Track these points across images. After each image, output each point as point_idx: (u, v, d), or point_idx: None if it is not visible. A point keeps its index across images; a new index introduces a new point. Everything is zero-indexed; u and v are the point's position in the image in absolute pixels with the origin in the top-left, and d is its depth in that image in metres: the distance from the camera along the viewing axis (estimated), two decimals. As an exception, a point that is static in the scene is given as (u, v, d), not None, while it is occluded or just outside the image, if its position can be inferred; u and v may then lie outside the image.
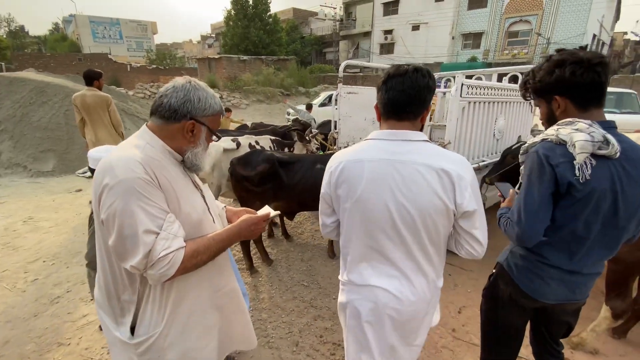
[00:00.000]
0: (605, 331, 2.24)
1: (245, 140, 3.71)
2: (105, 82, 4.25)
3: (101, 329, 2.08)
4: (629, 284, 2.06)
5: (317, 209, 3.36)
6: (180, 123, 0.99)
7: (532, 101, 1.33)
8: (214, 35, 43.14)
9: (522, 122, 3.80)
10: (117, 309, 1.01)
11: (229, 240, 1.07)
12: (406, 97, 1.04)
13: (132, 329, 1.00)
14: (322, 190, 1.25)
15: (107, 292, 1.02)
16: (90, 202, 1.67)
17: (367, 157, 1.09)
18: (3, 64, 18.28)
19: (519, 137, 3.30)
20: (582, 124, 1.10)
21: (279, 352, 2.14)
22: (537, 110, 4.86)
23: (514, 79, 4.21)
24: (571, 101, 1.16)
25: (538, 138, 1.20)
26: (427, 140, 1.08)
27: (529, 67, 3.92)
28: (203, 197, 1.12)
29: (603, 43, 23.23)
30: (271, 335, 2.28)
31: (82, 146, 6.00)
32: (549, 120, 1.25)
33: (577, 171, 1.06)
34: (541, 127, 5.01)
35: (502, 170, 2.83)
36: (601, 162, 1.07)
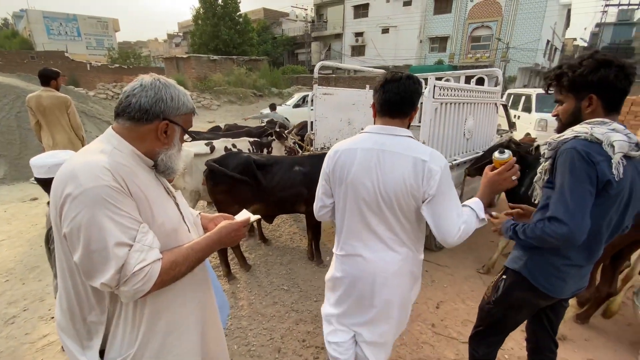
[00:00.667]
0: (571, 317, 2.39)
1: (221, 143, 3.58)
2: (62, 82, 3.94)
3: (64, 350, 1.91)
4: (592, 274, 2.21)
5: (296, 212, 3.31)
6: (153, 124, 0.92)
7: (554, 92, 1.29)
8: (181, 34, 41.67)
9: (489, 122, 3.99)
10: (83, 332, 0.91)
11: (209, 248, 1.01)
12: (400, 99, 1.25)
13: (102, 353, 0.91)
14: (322, 173, 1.44)
15: (70, 314, 0.91)
16: (47, 215, 1.52)
17: (360, 146, 1.30)
18: (-59, 61, 16.53)
19: (500, 136, 3.49)
20: (617, 124, 1.14)
21: (261, 360, 2.08)
22: (501, 111, 5.05)
23: (480, 81, 4.41)
24: (603, 102, 1.17)
25: (568, 134, 1.18)
26: (410, 136, 1.28)
27: (494, 70, 4.15)
28: (177, 205, 1.04)
29: (556, 48, 25.09)
30: (252, 344, 2.22)
31: (37, 151, 5.54)
32: (571, 116, 1.24)
33: (614, 169, 1.08)
34: (504, 127, 5.31)
35: (480, 164, 3.10)
36: (627, 162, 1.12)
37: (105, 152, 0.86)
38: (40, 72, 3.72)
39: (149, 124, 0.92)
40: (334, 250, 1.51)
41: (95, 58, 26.90)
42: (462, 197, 3.58)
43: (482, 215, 1.28)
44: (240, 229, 1.08)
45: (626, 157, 1.11)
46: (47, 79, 3.69)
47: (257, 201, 2.87)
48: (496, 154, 1.36)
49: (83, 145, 3.93)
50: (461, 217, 1.22)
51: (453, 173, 3.33)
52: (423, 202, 1.22)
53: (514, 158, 1.33)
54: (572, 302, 2.29)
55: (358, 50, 27.83)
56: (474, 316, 2.43)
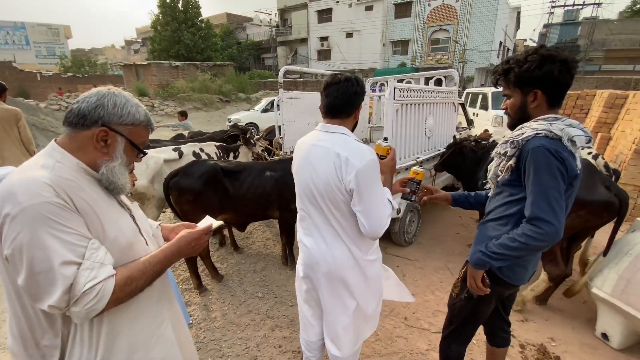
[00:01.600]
0: (541, 292, 2.58)
1: (189, 148, 3.49)
2: (11, 94, 3.68)
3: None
4: (557, 253, 2.44)
5: (269, 218, 3.27)
6: (90, 130, 0.87)
7: (501, 87, 1.33)
8: (140, 40, 40.00)
9: (448, 121, 4.20)
10: (37, 357, 0.86)
11: (167, 260, 0.96)
12: (339, 102, 1.34)
13: None
14: None
15: (22, 339, 0.86)
16: None
17: (305, 141, 1.43)
18: None
19: (454, 136, 3.75)
20: (571, 119, 1.18)
21: (236, 371, 2.05)
22: (460, 110, 5.33)
23: (438, 82, 4.64)
24: (546, 97, 1.21)
25: (528, 132, 1.19)
26: (345, 134, 1.35)
27: (451, 70, 4.37)
28: (132, 217, 1.00)
29: (508, 49, 26.84)
30: (227, 355, 2.17)
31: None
32: (519, 111, 1.27)
33: (578, 163, 1.14)
34: (465, 125, 5.62)
35: (441, 159, 3.46)
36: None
37: (46, 167, 0.82)
38: None
39: (86, 130, 0.87)
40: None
41: (46, 67, 25.16)
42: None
43: (394, 203, 1.38)
44: (201, 238, 1.04)
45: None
46: None
47: (227, 210, 2.81)
48: (381, 142, 1.47)
49: None
50: (386, 209, 1.32)
51: (421, 168, 3.51)
52: (349, 196, 1.29)
53: (393, 148, 1.48)
54: (544, 277, 2.50)
55: (324, 55, 28.17)
56: (443, 306, 2.55)
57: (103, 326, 0.88)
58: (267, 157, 4.28)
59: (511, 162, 1.23)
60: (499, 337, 1.70)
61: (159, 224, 1.19)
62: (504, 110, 1.35)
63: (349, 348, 1.53)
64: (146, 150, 1.02)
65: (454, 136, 3.71)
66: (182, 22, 22.70)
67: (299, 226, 1.55)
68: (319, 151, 1.34)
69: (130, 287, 0.86)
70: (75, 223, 0.80)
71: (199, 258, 2.97)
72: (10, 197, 0.75)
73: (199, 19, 23.94)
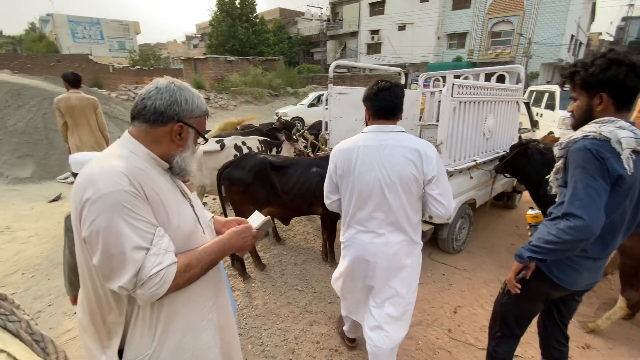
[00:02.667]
0: (617, 319, 2.31)
1: (231, 141, 3.63)
2: (87, 84, 4.15)
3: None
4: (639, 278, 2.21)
5: (313, 213, 3.34)
6: (168, 126, 0.93)
7: (568, 89, 1.35)
8: (199, 35, 42.46)
9: (509, 121, 3.85)
10: (103, 332, 0.93)
11: (221, 252, 1.01)
12: (393, 105, 1.54)
13: (120, 352, 0.92)
14: (328, 172, 1.70)
15: (90, 314, 0.94)
16: (66, 218, 1.58)
17: (361, 144, 1.54)
18: (-24, 65, 17.47)
19: (519, 136, 3.47)
20: (623, 122, 1.18)
21: (274, 361, 2.08)
22: (523, 109, 4.89)
23: (501, 79, 4.27)
24: (614, 101, 1.21)
25: (578, 134, 1.22)
26: (404, 131, 1.55)
27: (516, 66, 4.01)
28: (192, 206, 1.05)
29: (580, 43, 24.02)
30: (266, 344, 2.22)
31: (63, 151, 5.77)
32: (584, 113, 1.28)
33: (625, 164, 1.13)
34: (526, 126, 5.12)
35: (504, 161, 3.27)
36: (637, 157, 1.16)
37: (122, 157, 0.88)
38: (69, 75, 3.88)
39: (164, 127, 0.93)
40: (340, 238, 1.76)
41: (117, 60, 27.79)
42: (492, 193, 3.71)
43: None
44: (251, 233, 1.09)
45: (635, 152, 1.15)
46: (78, 82, 3.88)
47: (273, 203, 2.87)
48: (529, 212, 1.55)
49: (107, 145, 4.09)
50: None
51: (474, 173, 3.27)
52: (425, 184, 1.49)
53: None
54: (622, 304, 2.24)
55: (374, 48, 27.55)
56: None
57: (163, 308, 0.93)
58: (311, 153, 4.29)
59: (560, 162, 1.30)
60: (553, 349, 1.59)
61: (212, 217, 1.23)
62: (570, 112, 1.36)
63: (399, 336, 1.69)
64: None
65: (519, 136, 3.42)
66: (237, 18, 23.60)
67: (350, 225, 1.66)
68: (389, 150, 1.49)
69: (189, 274, 0.91)
70: (145, 211, 0.85)
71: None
72: (91, 184, 0.81)
73: (254, 14, 24.71)
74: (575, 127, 1.34)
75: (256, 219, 1.15)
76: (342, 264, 1.77)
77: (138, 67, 22.01)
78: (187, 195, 1.05)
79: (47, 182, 5.67)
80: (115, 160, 0.87)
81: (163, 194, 0.91)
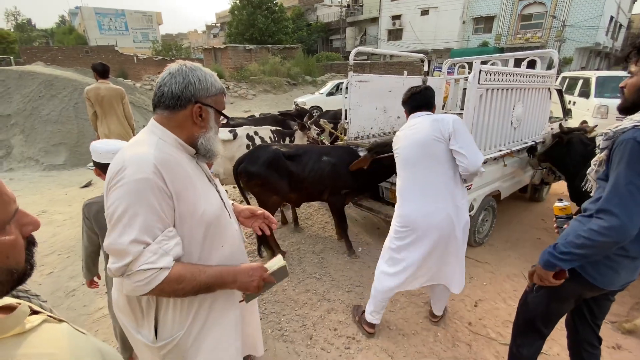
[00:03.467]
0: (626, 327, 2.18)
1: (243, 131, 3.68)
2: (113, 74, 4.28)
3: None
4: None
5: (323, 200, 3.44)
6: (187, 109, 0.95)
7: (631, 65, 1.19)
8: (219, 24, 42.69)
9: (540, 110, 3.65)
10: (138, 312, 0.98)
11: (221, 280, 0.95)
12: (424, 104, 1.98)
13: (155, 330, 0.97)
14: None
15: (127, 295, 0.98)
16: (85, 206, 1.66)
17: (403, 131, 2.01)
18: (12, 57, 18.40)
19: (560, 124, 3.33)
20: None
21: (293, 346, 2.13)
22: (555, 96, 4.61)
23: (531, 64, 4.04)
24: None
25: (626, 124, 1.10)
26: (430, 114, 1.96)
27: (549, 51, 3.78)
28: (218, 192, 1.08)
29: (620, 25, 22.32)
30: (285, 329, 2.27)
31: (93, 139, 6.02)
32: (637, 92, 1.14)
33: None
34: (557, 114, 4.84)
35: (544, 149, 3.22)
36: None
37: (152, 145, 0.90)
38: (99, 66, 4.00)
39: (184, 110, 0.94)
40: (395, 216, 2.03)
41: (141, 51, 28.48)
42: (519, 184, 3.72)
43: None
44: (258, 272, 1.02)
45: None
46: (106, 73, 4.00)
47: (293, 191, 2.93)
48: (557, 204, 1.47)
49: (133, 134, 4.23)
50: (480, 153, 1.79)
51: (508, 160, 3.23)
52: (449, 140, 1.77)
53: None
54: None
55: (395, 35, 26.74)
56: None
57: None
58: (324, 141, 4.26)
59: (603, 154, 1.18)
60: (585, 352, 1.47)
61: (233, 203, 1.25)
62: (621, 89, 1.20)
63: (462, 284, 2.05)
64: None
65: (560, 124, 3.26)
66: (257, 7, 23.48)
67: (404, 201, 1.95)
68: (416, 127, 1.90)
69: (178, 286, 0.89)
70: (162, 205, 0.86)
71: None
72: (121, 170, 0.85)
73: (274, 2, 24.49)
74: (622, 109, 1.20)
75: (275, 262, 1.11)
76: (399, 236, 2.05)
77: (160, 57, 22.46)
78: (212, 181, 1.08)
79: (79, 168, 5.96)
80: (146, 148, 0.89)
81: (191, 180, 0.93)
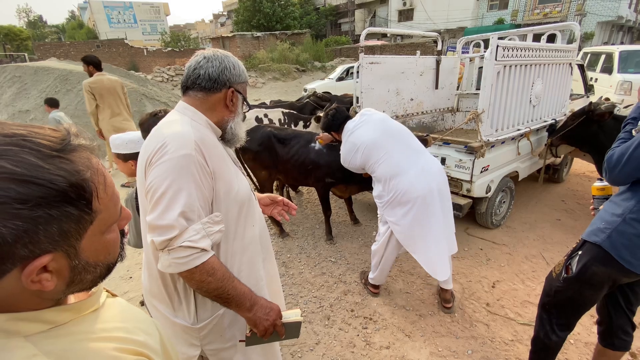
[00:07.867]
0: None
1: (252, 113, 3.73)
2: (124, 67, 4.34)
3: (142, 304, 2.17)
4: None
5: (308, 185, 3.64)
6: (222, 92, 0.96)
7: None
8: (225, 13, 42.26)
9: (560, 86, 3.50)
10: (174, 296, 0.98)
11: (241, 298, 0.90)
12: (345, 117, 2.37)
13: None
14: None
15: (162, 280, 0.97)
16: (123, 185, 1.68)
17: (352, 131, 2.26)
18: (26, 54, 18.79)
19: (590, 102, 2.99)
20: None
21: (311, 326, 2.18)
22: (576, 73, 4.38)
23: (551, 39, 3.86)
24: None
25: None
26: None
27: (570, 24, 3.59)
28: (243, 174, 1.10)
29: (648, -6, 20.91)
30: (303, 310, 2.32)
31: (93, 135, 6.14)
32: None
33: None
34: (577, 91, 4.63)
35: (566, 129, 3.00)
36: None
37: (186, 123, 0.91)
38: (93, 59, 4.02)
39: (218, 93, 0.96)
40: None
41: (150, 43, 28.58)
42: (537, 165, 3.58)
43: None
44: (276, 315, 0.97)
45: None
46: (100, 65, 4.05)
47: (279, 171, 3.13)
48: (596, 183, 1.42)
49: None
50: None
51: (509, 146, 3.08)
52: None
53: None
54: None
55: (406, 15, 25.89)
56: (535, 297, 2.28)
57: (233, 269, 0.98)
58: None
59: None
60: (617, 339, 1.44)
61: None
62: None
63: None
64: None
65: (590, 101, 3.06)
66: (263, -9, 23.07)
67: (394, 173, 2.05)
68: (363, 119, 2.22)
69: (207, 278, 0.86)
70: (204, 182, 0.87)
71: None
72: (163, 146, 0.85)
73: (280, -14, 23.99)
74: None
75: (291, 314, 1.05)
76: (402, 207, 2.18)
77: (169, 49, 22.50)
78: (237, 164, 1.09)
79: (97, 161, 6.10)
80: (184, 126, 0.89)
81: (224, 160, 0.95)
